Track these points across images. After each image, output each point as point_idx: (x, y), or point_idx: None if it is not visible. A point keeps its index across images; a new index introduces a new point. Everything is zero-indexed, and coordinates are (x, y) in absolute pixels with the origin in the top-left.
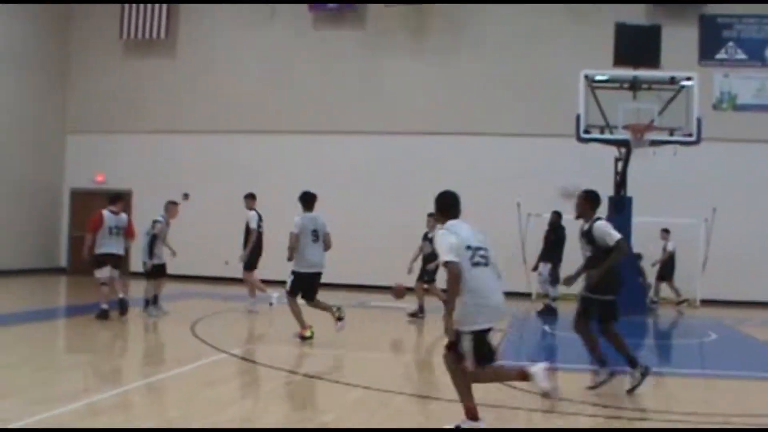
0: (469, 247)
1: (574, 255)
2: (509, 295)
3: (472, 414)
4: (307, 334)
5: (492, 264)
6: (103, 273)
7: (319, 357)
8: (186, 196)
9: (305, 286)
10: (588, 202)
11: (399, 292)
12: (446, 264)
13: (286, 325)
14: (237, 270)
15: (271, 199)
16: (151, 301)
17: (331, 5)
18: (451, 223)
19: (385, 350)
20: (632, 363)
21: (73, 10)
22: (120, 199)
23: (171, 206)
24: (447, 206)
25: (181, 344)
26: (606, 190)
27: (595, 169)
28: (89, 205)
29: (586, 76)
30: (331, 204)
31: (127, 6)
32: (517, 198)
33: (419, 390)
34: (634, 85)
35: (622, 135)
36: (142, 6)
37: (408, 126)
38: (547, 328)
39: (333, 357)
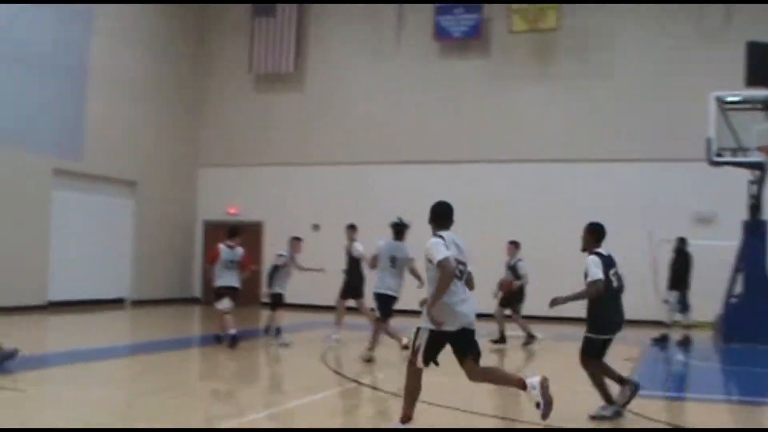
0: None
1: (702, 281)
2: (640, 323)
3: (406, 419)
4: (404, 341)
5: (464, 278)
6: (224, 304)
7: (449, 386)
8: (316, 227)
9: (384, 305)
10: (590, 234)
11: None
12: (443, 261)
13: None
14: (366, 301)
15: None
16: (273, 331)
17: (456, 35)
18: (444, 233)
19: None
20: (621, 381)
21: (206, 47)
22: (237, 233)
23: (294, 242)
24: (442, 216)
25: (311, 373)
26: (739, 214)
27: (727, 193)
28: (221, 237)
29: (717, 98)
30: (458, 232)
31: (256, 41)
32: (647, 223)
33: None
34: None
35: (756, 157)
36: (270, 40)
37: (534, 153)
38: (681, 356)
39: (464, 386)
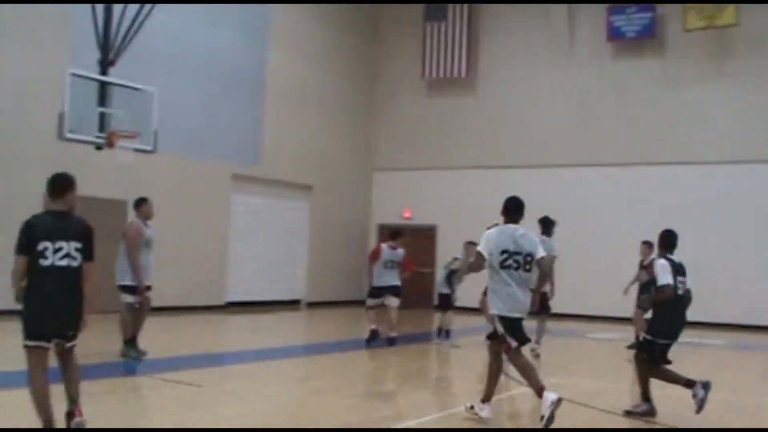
0: (505, 251)
1: None
2: None
3: (541, 393)
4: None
5: (526, 269)
6: (373, 302)
7: (619, 393)
8: None
9: None
10: (659, 240)
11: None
12: (477, 253)
13: (589, 358)
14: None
15: (573, 232)
16: (444, 334)
17: (629, 35)
18: (505, 226)
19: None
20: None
21: (379, 53)
22: (400, 235)
23: (469, 246)
24: (508, 210)
25: (481, 376)
26: None
27: None
28: None
29: None
30: (630, 236)
31: (428, 46)
32: None
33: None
34: None
35: None
36: (442, 45)
37: (714, 155)
38: None
39: (640, 394)
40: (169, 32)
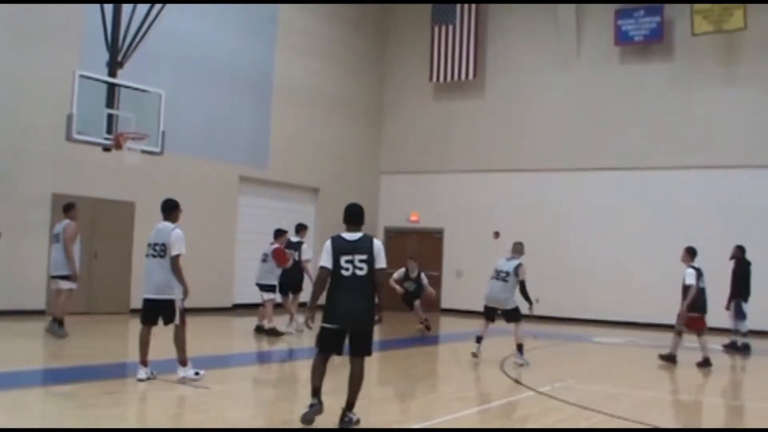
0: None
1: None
2: None
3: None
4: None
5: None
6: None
7: (631, 398)
8: (496, 234)
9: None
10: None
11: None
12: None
13: (595, 363)
14: (548, 308)
15: (580, 236)
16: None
17: (637, 39)
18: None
19: (704, 394)
20: None
21: (387, 56)
22: (281, 234)
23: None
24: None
25: (490, 381)
26: None
27: None
28: (402, 243)
29: None
30: (636, 241)
31: (436, 49)
32: None
33: None
34: None
35: None
36: (450, 48)
37: (723, 159)
38: None
39: (646, 399)
40: (177, 34)
